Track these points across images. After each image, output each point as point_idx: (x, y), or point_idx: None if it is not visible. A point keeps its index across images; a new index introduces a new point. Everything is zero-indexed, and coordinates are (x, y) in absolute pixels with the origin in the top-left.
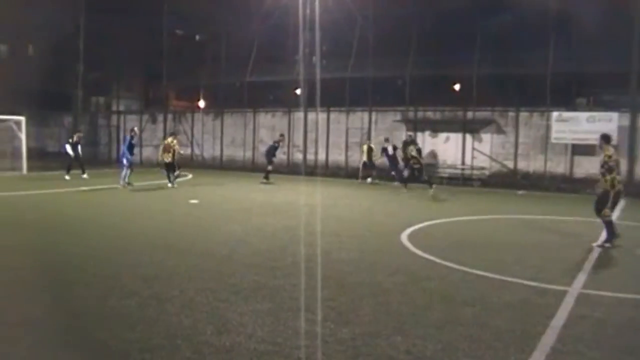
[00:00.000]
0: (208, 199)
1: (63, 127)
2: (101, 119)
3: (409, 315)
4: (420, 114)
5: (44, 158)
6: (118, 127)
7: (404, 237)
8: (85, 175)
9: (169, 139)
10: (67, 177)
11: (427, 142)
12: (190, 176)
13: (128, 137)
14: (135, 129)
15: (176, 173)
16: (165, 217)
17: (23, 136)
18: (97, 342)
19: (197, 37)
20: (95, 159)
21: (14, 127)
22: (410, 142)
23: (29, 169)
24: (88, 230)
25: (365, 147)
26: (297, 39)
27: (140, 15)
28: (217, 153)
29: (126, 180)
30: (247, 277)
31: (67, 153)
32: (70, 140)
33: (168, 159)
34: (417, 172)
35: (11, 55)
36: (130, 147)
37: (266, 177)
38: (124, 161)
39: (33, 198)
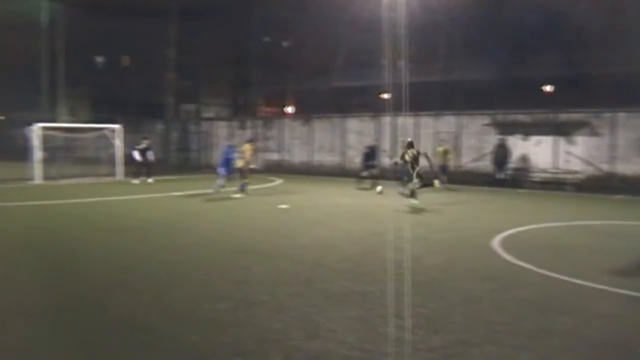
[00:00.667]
0: (297, 204)
1: (156, 134)
2: (192, 125)
3: (501, 324)
4: (510, 117)
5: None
6: (208, 133)
7: (495, 243)
8: (150, 180)
9: (246, 146)
10: (135, 182)
11: (517, 145)
12: (279, 181)
13: (229, 149)
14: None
15: (245, 181)
16: (255, 222)
17: (118, 143)
18: (189, 344)
19: (284, 44)
20: (187, 164)
21: (110, 134)
22: (409, 145)
23: (125, 174)
24: (180, 236)
25: (440, 150)
26: (382, 43)
27: (229, 24)
28: (306, 158)
29: (220, 187)
30: (337, 283)
31: (134, 159)
32: (138, 147)
33: (239, 164)
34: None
35: (107, 66)
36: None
37: (361, 181)
38: (223, 171)
39: (128, 203)
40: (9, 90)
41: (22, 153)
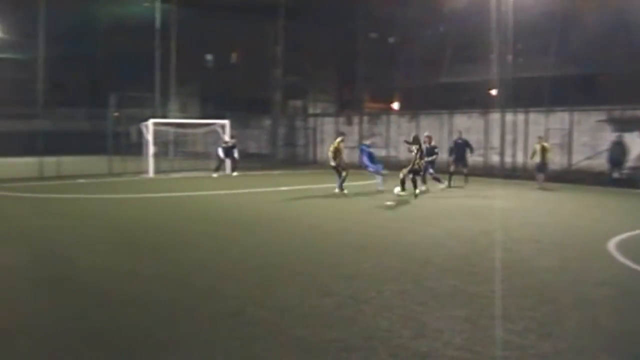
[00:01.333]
0: (404, 201)
1: (263, 129)
2: (299, 121)
3: (619, 333)
4: (628, 113)
5: (246, 159)
6: (315, 129)
7: (611, 245)
8: (235, 174)
9: (337, 140)
10: (214, 175)
11: (636, 143)
12: (387, 177)
13: (364, 147)
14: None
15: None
16: (361, 218)
17: (227, 138)
18: (297, 338)
19: (391, 40)
20: (294, 160)
21: (219, 130)
22: (414, 140)
23: (232, 169)
24: (286, 230)
25: (538, 147)
26: (491, 38)
27: (335, 20)
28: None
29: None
30: (445, 282)
31: (218, 155)
32: (224, 145)
33: (334, 162)
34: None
35: (216, 63)
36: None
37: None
38: (374, 168)
39: (235, 197)
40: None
41: (136, 148)
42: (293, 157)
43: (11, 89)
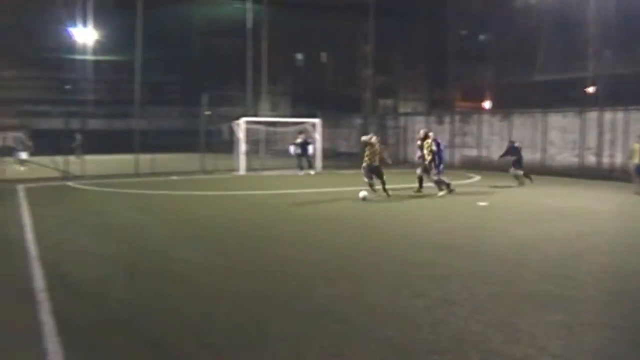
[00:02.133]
0: (497, 201)
1: (354, 128)
2: (389, 120)
3: None
4: None
5: (336, 158)
6: (405, 128)
7: None
8: (312, 172)
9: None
10: (300, 173)
11: None
12: (477, 178)
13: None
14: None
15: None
16: (453, 218)
17: (318, 137)
18: (386, 338)
19: (481, 37)
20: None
21: (310, 128)
22: (424, 137)
23: (323, 167)
24: (375, 229)
25: (637, 147)
26: (587, 33)
27: (425, 18)
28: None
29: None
30: (539, 285)
31: (296, 154)
32: (294, 142)
33: (376, 161)
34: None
35: (307, 62)
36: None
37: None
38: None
39: (321, 195)
40: (216, 87)
41: (227, 146)
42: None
43: (109, 90)
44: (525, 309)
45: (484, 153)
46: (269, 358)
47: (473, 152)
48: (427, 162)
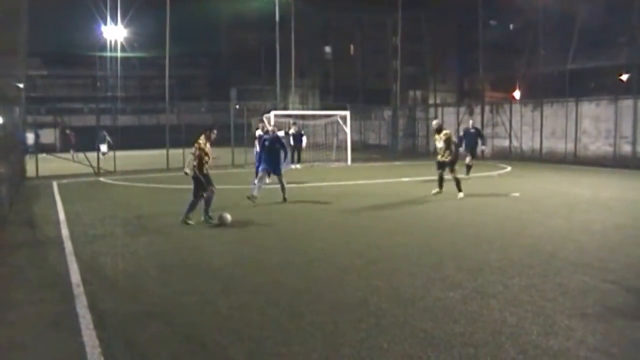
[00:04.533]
0: (529, 192)
1: (383, 120)
2: (419, 112)
3: None
4: None
5: (366, 150)
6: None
7: None
8: (298, 166)
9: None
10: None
11: None
12: (509, 169)
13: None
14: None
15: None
16: (487, 210)
17: (348, 129)
18: (421, 330)
19: (511, 26)
20: (414, 151)
21: (340, 121)
22: (437, 129)
23: (353, 160)
24: (408, 221)
25: None
26: (622, 20)
27: (454, 8)
28: (537, 145)
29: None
30: (575, 277)
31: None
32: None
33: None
34: (439, 167)
35: (335, 54)
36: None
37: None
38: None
39: (356, 188)
40: (245, 81)
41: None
42: (413, 148)
43: (139, 86)
44: (561, 301)
45: (515, 143)
46: (305, 350)
47: (504, 143)
48: (442, 159)
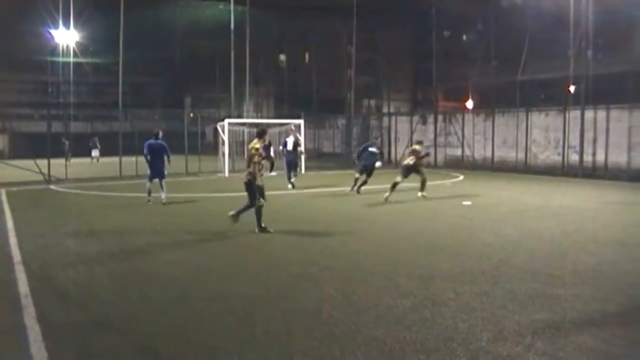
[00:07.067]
0: (481, 200)
1: (338, 128)
2: (373, 120)
3: None
4: None
5: (320, 158)
6: (389, 128)
7: None
8: (274, 174)
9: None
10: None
11: None
12: (461, 177)
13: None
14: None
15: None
16: (438, 218)
17: (302, 138)
18: (374, 338)
19: (464, 37)
20: None
21: (293, 129)
22: (417, 143)
23: (307, 168)
24: (361, 230)
25: None
26: (570, 32)
27: (408, 19)
28: (488, 154)
29: None
30: (524, 284)
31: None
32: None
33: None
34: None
35: (290, 63)
36: None
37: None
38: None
39: (304, 196)
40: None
41: (211, 147)
42: None
43: (92, 92)
44: (510, 307)
45: (467, 152)
46: (258, 358)
47: (457, 152)
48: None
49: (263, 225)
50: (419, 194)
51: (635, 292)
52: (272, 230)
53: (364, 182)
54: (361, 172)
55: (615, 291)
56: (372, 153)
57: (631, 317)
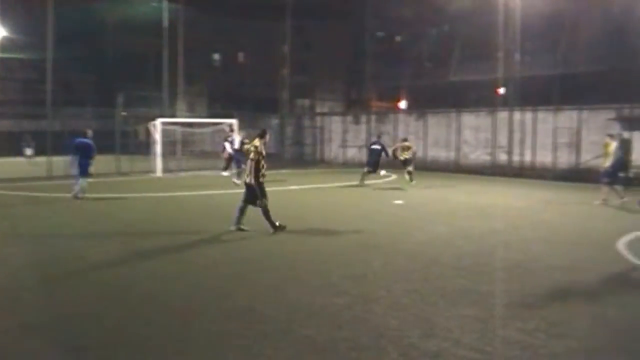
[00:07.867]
0: (413, 199)
1: (271, 128)
2: (306, 120)
3: (630, 331)
4: (637, 111)
5: None
6: (322, 128)
7: (620, 245)
8: (226, 173)
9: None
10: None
11: None
12: (394, 177)
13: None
14: None
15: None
16: (371, 217)
17: (236, 137)
18: (307, 337)
19: (398, 38)
20: (301, 159)
21: (227, 129)
22: (404, 140)
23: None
24: (297, 229)
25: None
26: (498, 36)
27: (342, 19)
28: (421, 154)
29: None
30: (454, 281)
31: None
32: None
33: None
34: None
35: (224, 62)
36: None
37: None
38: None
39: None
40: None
41: (143, 147)
42: (300, 156)
43: (20, 89)
44: (440, 304)
45: None
46: (192, 357)
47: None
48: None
49: (277, 223)
50: (413, 182)
51: (558, 287)
52: (247, 229)
53: (369, 172)
54: (368, 167)
55: (540, 286)
56: (375, 150)
57: (554, 311)
